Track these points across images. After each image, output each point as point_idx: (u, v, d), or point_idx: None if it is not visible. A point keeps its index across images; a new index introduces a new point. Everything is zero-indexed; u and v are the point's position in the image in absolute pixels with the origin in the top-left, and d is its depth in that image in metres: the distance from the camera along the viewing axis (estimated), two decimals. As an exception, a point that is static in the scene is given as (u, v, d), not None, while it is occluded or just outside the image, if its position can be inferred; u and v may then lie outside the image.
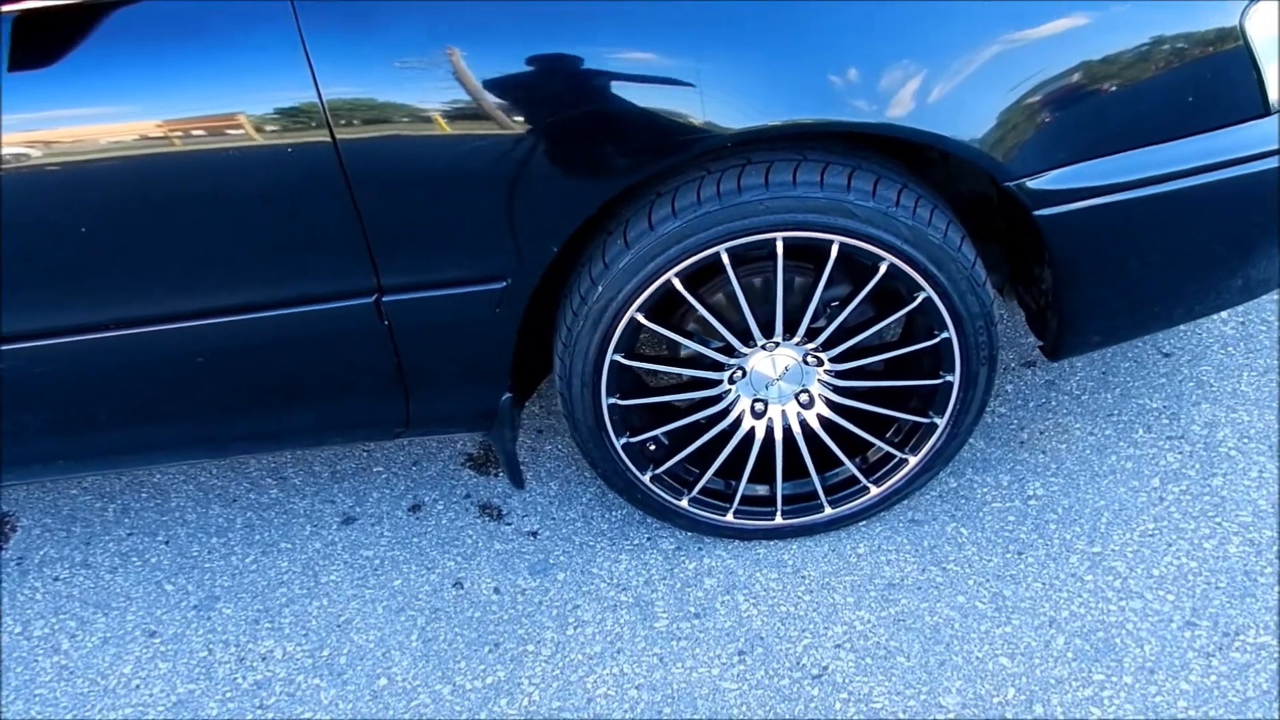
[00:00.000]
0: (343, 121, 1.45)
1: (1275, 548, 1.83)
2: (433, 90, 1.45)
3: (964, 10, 1.51)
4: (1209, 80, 1.60)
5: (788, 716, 1.66)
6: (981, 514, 1.95)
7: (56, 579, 2.03)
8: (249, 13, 1.42)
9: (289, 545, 2.05)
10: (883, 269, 1.64)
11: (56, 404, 1.71)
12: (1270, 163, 1.65)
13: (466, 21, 1.44)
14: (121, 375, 1.68)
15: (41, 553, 2.09)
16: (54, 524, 2.15)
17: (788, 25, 1.48)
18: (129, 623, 1.93)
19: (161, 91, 1.44)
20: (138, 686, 1.81)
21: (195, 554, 2.06)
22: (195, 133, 1.45)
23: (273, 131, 1.45)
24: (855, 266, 1.68)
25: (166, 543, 2.09)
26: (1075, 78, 1.54)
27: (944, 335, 1.71)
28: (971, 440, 2.08)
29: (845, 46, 1.50)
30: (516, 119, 1.47)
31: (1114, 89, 1.56)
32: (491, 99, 1.46)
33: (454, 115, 1.46)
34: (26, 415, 1.72)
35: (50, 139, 1.44)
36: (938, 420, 1.80)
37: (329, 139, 1.45)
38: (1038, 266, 1.77)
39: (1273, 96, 1.63)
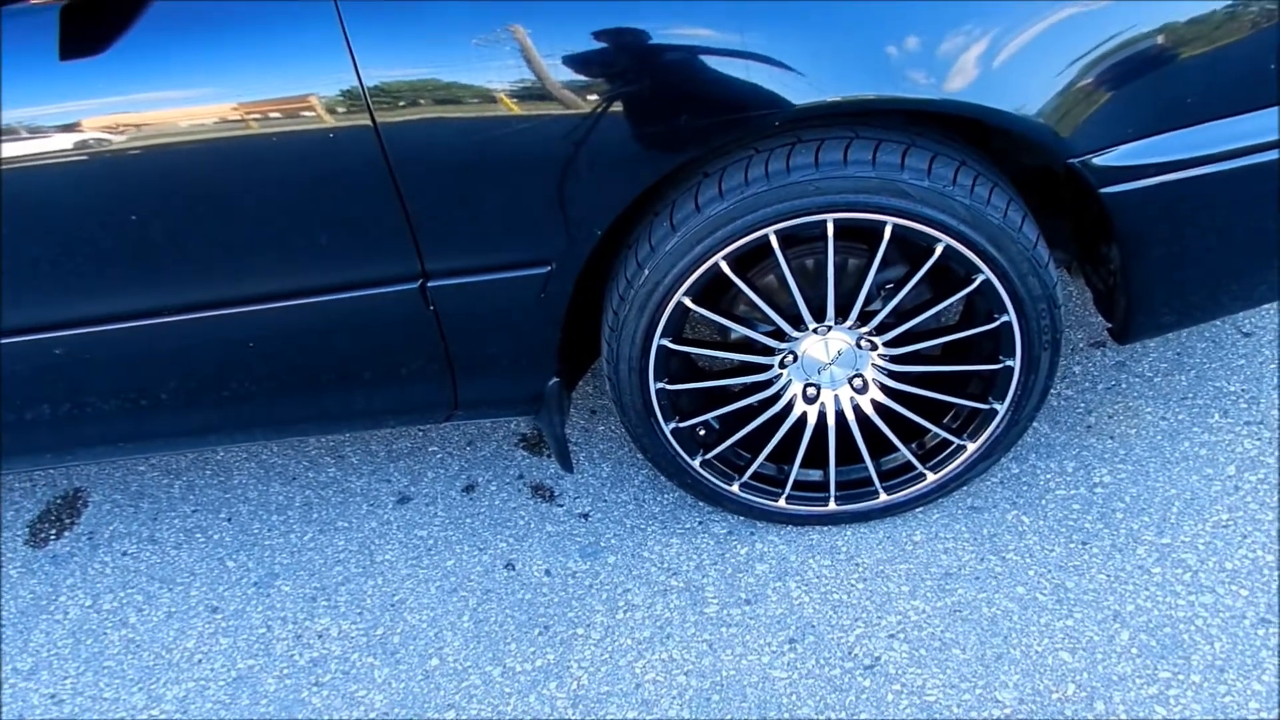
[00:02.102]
0: (383, 105, 1.44)
1: (1360, 541, 1.74)
2: (476, 71, 1.43)
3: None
4: (1293, 46, 1.50)
5: (838, 707, 1.63)
6: (1044, 502, 1.89)
7: (125, 554, 2.09)
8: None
9: (346, 524, 2.08)
10: (939, 250, 1.58)
11: (118, 388, 1.75)
12: (1361, 132, 1.55)
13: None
14: (179, 360, 1.71)
15: (111, 528, 2.15)
16: (123, 500, 2.22)
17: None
18: (192, 598, 1.98)
19: (202, 78, 1.45)
20: (200, 661, 1.86)
21: (256, 531, 2.10)
22: (238, 119, 1.45)
23: (314, 116, 1.44)
24: (911, 247, 1.63)
25: (229, 520, 2.14)
26: (1144, 46, 1.45)
27: (1004, 319, 1.64)
28: (1036, 424, 2.01)
29: (903, 18, 1.43)
30: (565, 98, 1.44)
31: (1187, 57, 1.47)
32: (540, 78, 1.43)
33: (495, 96, 1.44)
34: (94, 398, 1.76)
35: (100, 127, 1.46)
36: (997, 406, 1.74)
37: (369, 123, 1.45)
38: (1105, 245, 1.69)
39: (1363, 62, 1.52)
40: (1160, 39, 1.46)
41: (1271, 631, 1.63)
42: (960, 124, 1.60)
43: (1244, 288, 1.75)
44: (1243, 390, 2.02)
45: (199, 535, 2.11)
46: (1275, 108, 1.52)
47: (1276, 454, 1.89)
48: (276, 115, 1.45)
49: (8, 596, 2.02)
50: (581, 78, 1.44)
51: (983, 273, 1.60)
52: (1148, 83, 1.48)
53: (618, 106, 1.45)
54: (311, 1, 1.41)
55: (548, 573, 1.92)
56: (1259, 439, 1.93)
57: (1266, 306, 2.16)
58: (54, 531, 2.16)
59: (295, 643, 1.87)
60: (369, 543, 2.04)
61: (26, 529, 2.16)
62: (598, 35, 1.42)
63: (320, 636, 1.87)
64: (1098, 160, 1.51)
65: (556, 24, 1.41)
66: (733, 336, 1.76)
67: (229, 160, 1.47)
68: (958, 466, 1.82)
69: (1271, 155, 1.54)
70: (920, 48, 1.44)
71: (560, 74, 1.43)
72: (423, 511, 2.08)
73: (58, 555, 2.10)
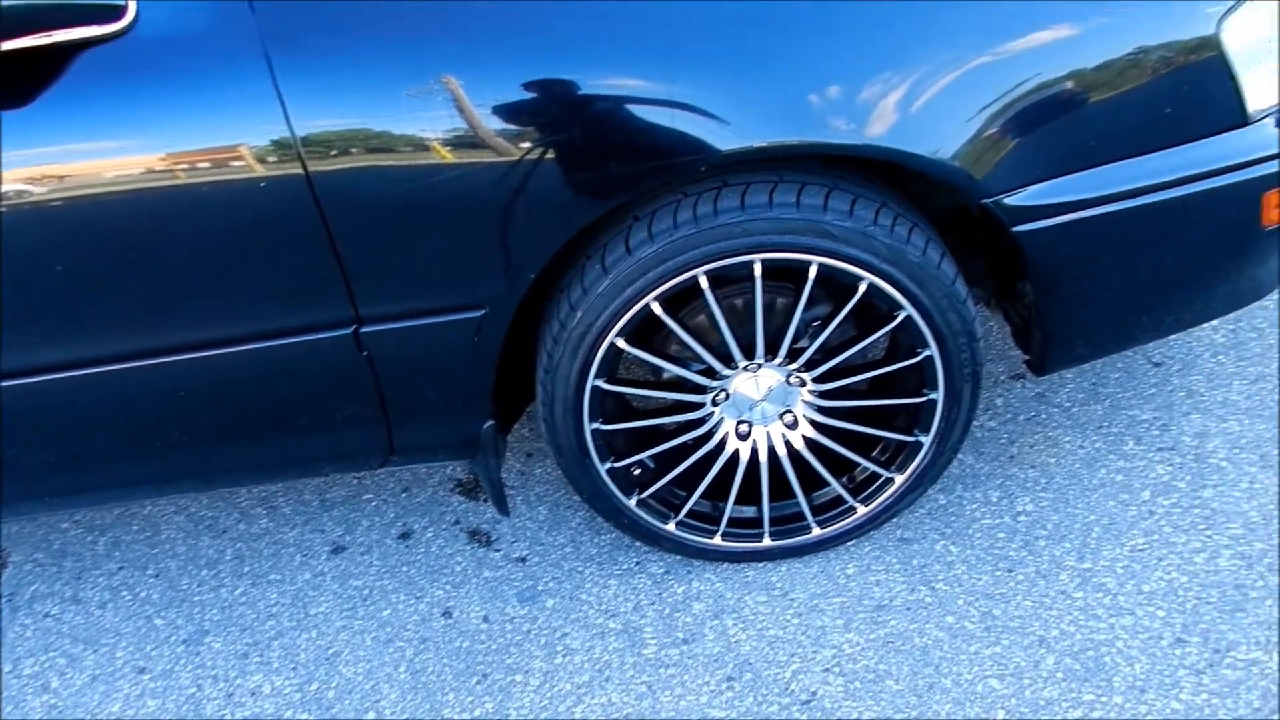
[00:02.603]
0: (315, 154, 1.45)
1: (1267, 560, 1.81)
2: (406, 120, 1.45)
3: (941, 25, 1.50)
4: (1187, 91, 1.59)
5: (778, 742, 1.65)
6: (971, 531, 1.94)
7: (47, 615, 2.03)
8: (219, 50, 1.43)
9: (278, 576, 2.05)
10: (862, 288, 1.63)
11: (45, 441, 1.71)
12: (1250, 172, 1.64)
13: (449, 51, 1.45)
14: (106, 411, 1.68)
15: (32, 588, 2.08)
16: (45, 559, 2.15)
17: (769, 47, 1.48)
18: (118, 659, 1.92)
19: (133, 129, 1.44)
20: (126, 723, 1.81)
21: (185, 587, 2.05)
22: (167, 169, 1.45)
23: (245, 165, 1.45)
24: (836, 286, 1.68)
25: (156, 576, 2.08)
26: (1051, 92, 1.53)
27: (926, 353, 1.70)
28: (960, 455, 2.06)
29: (823, 68, 1.49)
30: (497, 146, 1.47)
31: (1091, 102, 1.55)
32: (473, 127, 1.45)
33: (428, 145, 1.46)
34: (15, 452, 1.72)
35: (24, 178, 1.44)
36: (923, 438, 1.79)
37: (302, 172, 1.45)
38: (1020, 281, 1.77)
39: (1250, 106, 1.62)
40: (1066, 85, 1.53)
41: (1188, 651, 1.69)
42: (879, 167, 1.66)
43: (1152, 320, 1.83)
44: (1154, 418, 2.11)
45: (125, 593, 2.06)
46: (1172, 149, 1.60)
47: (1188, 479, 1.97)
48: (207, 165, 1.45)
49: (-80, 663, 1.94)
50: (513, 127, 1.46)
51: (905, 309, 1.65)
52: (1054, 127, 1.56)
53: (549, 154, 1.48)
54: (242, 53, 1.42)
55: (485, 619, 1.91)
56: (1171, 464, 2.01)
57: (1175, 337, 2.26)
58: (-30, 594, 2.09)
59: (227, 701, 1.83)
60: (303, 595, 2.00)
61: (-59, 592, 2.09)
62: (528, 86, 1.45)
63: (253, 694, 1.83)
64: (1009, 200, 1.58)
65: (488, 75, 1.44)
66: (665, 376, 1.79)
67: (159, 210, 1.47)
68: (887, 498, 1.86)
69: (1169, 194, 1.62)
70: (840, 95, 1.49)
71: (492, 123, 1.46)
72: (358, 561, 2.06)
73: (-26, 618, 2.03)
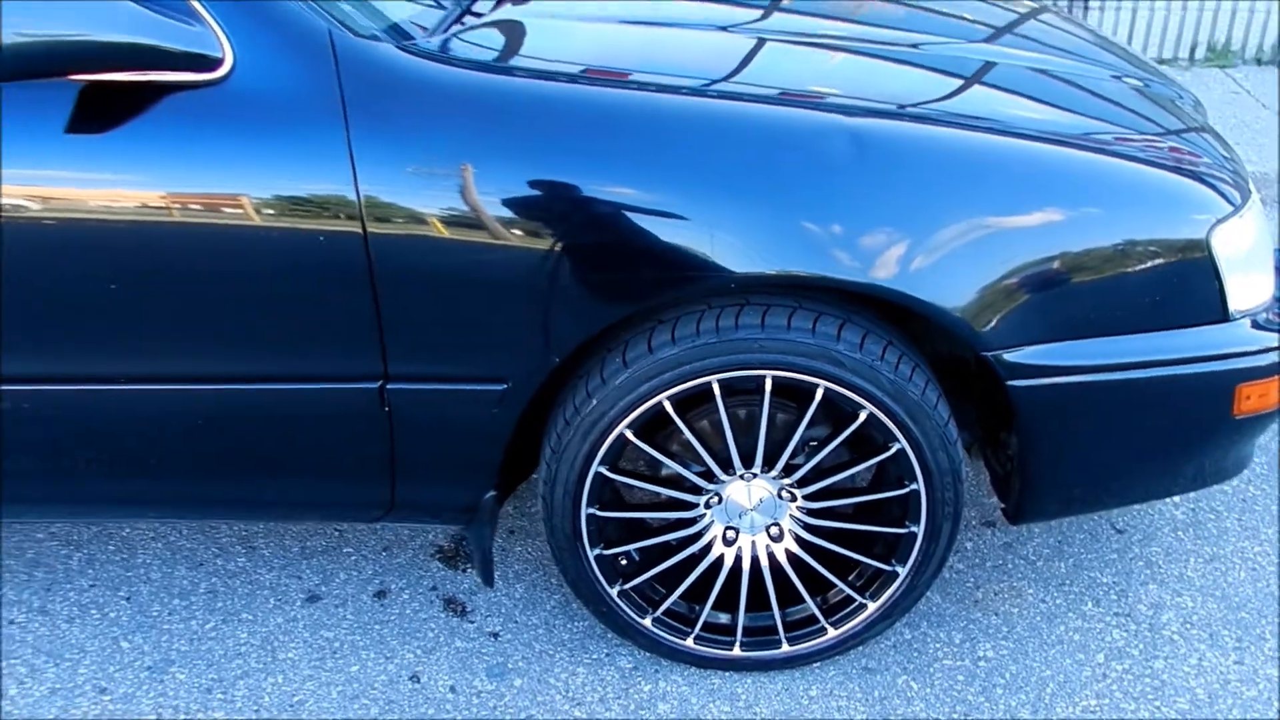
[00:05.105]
0: (376, 218, 1.55)
1: (1211, 734, 1.88)
2: (464, 199, 1.56)
3: (950, 190, 1.65)
4: (1175, 284, 1.74)
5: None
6: (932, 670, 2.00)
7: (11, 622, 2.02)
8: (305, 107, 1.54)
9: (250, 616, 2.06)
10: (862, 416, 1.73)
11: (48, 447, 1.75)
12: (1227, 364, 1.78)
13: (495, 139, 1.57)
14: (115, 427, 1.73)
15: None
16: (16, 566, 2.15)
17: (790, 184, 1.61)
18: (80, 676, 1.92)
19: (207, 172, 1.55)
20: (78, 742, 1.80)
21: (155, 613, 2.06)
22: (234, 209, 1.55)
23: (308, 217, 1.55)
24: (836, 411, 1.78)
25: (128, 599, 2.09)
26: (1053, 266, 1.67)
27: (913, 487, 1.79)
28: (929, 594, 2.13)
29: (841, 212, 1.62)
30: (539, 237, 1.58)
31: (1089, 281, 1.69)
32: (516, 216, 1.57)
33: (482, 225, 1.57)
34: (17, 455, 1.75)
35: (85, 199, 1.54)
36: (899, 569, 1.87)
37: (360, 231, 1.55)
38: (1005, 432, 1.87)
39: (1232, 305, 1.76)
40: (1068, 262, 1.67)
41: (1130, 811, 1.74)
42: (886, 307, 1.78)
43: (1121, 487, 1.94)
44: (1113, 583, 2.20)
45: (94, 611, 2.06)
46: (1160, 332, 1.74)
47: (1141, 647, 2.05)
48: (271, 211, 1.55)
49: (-122, 653, 1.93)
50: (562, 225, 1.58)
51: (899, 442, 1.75)
52: (1055, 296, 1.69)
53: (591, 253, 1.60)
54: (325, 114, 1.54)
55: (453, 689, 1.93)
56: (1126, 630, 2.09)
57: (1139, 507, 2.37)
58: (-61, 591, 2.08)
59: (183, 732, 1.83)
60: (273, 638, 2.02)
61: (-91, 585, 2.08)
62: (580, 189, 1.57)
63: (210, 729, 1.84)
64: (1008, 356, 1.70)
65: (544, 173, 1.57)
66: (664, 472, 1.86)
67: (222, 245, 1.56)
68: (858, 624, 1.92)
69: (1153, 373, 1.75)
70: (861, 238, 1.62)
71: (544, 218, 1.58)
72: (331, 612, 2.08)
73: (-61, 616, 2.02)
